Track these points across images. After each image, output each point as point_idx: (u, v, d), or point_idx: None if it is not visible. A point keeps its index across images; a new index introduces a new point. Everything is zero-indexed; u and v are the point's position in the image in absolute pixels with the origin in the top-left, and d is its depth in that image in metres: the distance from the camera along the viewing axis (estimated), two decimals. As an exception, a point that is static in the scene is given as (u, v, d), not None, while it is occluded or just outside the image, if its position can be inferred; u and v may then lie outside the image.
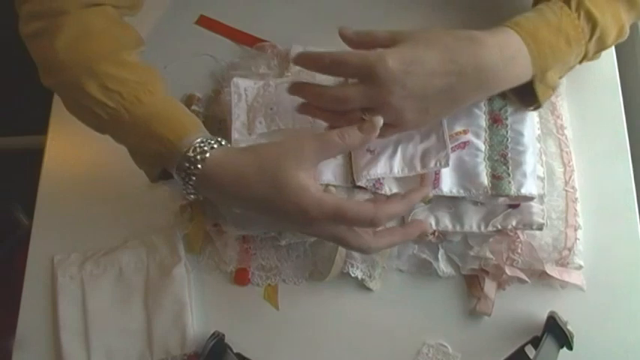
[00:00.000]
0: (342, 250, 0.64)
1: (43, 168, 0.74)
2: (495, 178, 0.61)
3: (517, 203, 0.62)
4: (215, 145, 0.56)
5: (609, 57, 0.72)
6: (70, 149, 0.77)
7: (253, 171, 0.54)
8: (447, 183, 0.62)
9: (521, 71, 0.57)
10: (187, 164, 0.55)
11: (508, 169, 0.61)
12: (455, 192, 0.62)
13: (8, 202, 1.33)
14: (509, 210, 0.62)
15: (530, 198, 0.61)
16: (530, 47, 0.56)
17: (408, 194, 0.58)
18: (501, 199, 0.61)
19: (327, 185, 0.62)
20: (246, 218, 0.64)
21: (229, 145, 0.58)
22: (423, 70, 0.54)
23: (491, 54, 0.55)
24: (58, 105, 0.76)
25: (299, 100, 0.60)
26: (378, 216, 0.54)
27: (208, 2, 0.80)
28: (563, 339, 0.59)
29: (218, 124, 0.70)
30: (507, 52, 0.56)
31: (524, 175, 0.61)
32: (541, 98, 0.60)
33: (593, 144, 0.69)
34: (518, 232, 0.63)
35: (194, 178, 0.56)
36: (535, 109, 0.63)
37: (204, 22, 0.79)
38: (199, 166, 0.55)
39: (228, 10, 0.79)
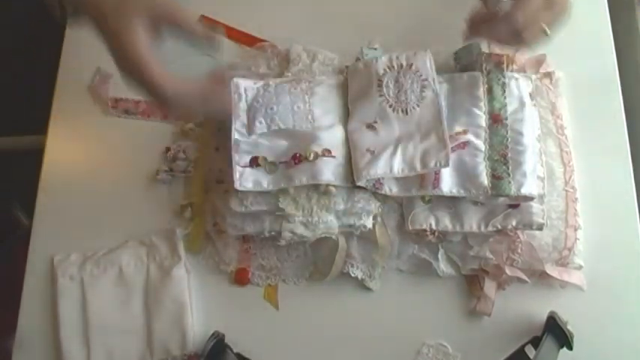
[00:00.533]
0: (342, 250, 0.64)
1: (43, 168, 0.74)
2: (495, 178, 0.61)
3: (517, 203, 0.62)
4: None
5: (609, 57, 0.72)
6: (70, 149, 0.76)
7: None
8: (447, 183, 0.62)
9: None
10: None
11: (508, 169, 0.61)
12: (455, 192, 0.62)
13: (8, 202, 1.33)
14: (509, 210, 0.62)
15: (530, 198, 0.61)
16: None
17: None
18: (501, 199, 0.61)
19: (327, 185, 0.62)
20: (245, 217, 0.64)
21: None
22: None
23: None
24: (58, 105, 0.76)
25: (299, 100, 0.59)
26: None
27: (208, 2, 0.80)
28: (563, 339, 0.59)
29: (218, 124, 0.70)
30: None
31: (524, 175, 0.61)
32: None
33: (593, 144, 0.69)
34: (518, 232, 0.63)
35: None
36: None
37: (205, 22, 0.79)
38: None
39: (228, 10, 0.79)
